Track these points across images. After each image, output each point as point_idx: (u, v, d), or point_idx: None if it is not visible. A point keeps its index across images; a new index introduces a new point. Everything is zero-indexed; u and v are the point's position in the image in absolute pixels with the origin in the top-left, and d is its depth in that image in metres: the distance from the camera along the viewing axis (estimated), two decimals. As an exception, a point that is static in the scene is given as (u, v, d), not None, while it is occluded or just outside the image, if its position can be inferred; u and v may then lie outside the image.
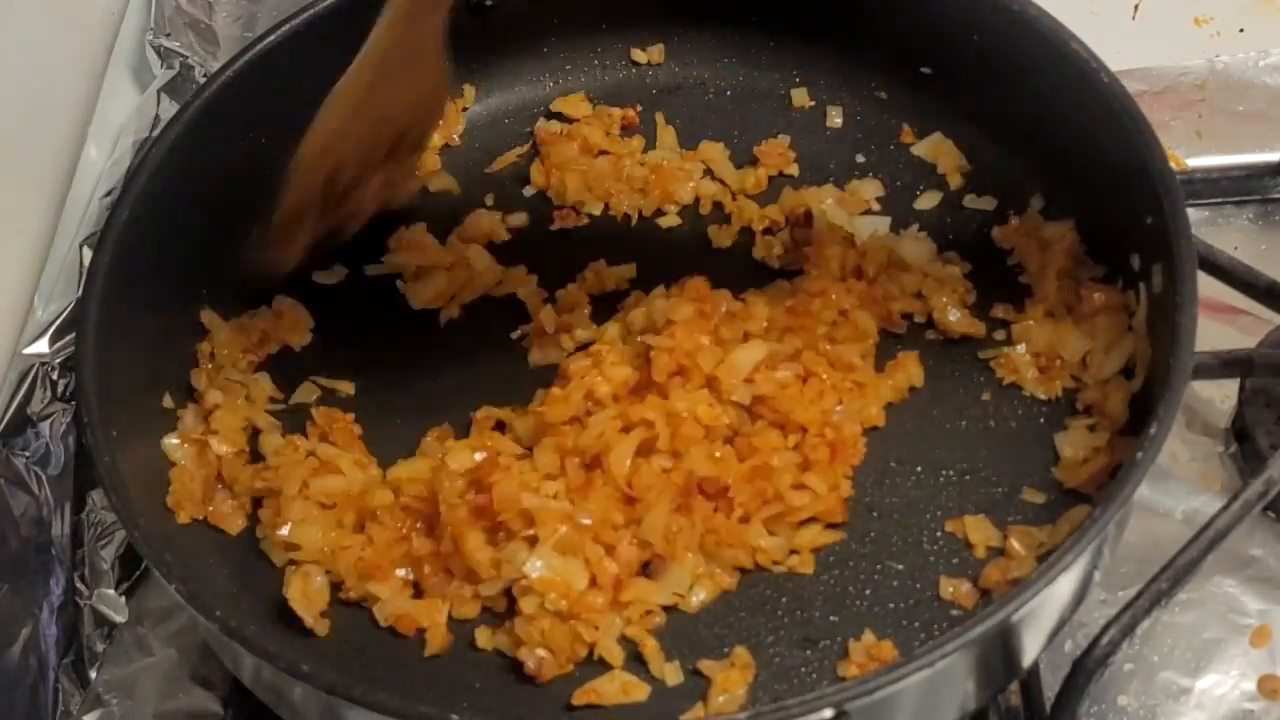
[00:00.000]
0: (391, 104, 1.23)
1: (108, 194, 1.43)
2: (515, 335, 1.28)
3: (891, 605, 1.12)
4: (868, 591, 1.12)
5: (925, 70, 1.35)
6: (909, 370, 1.22)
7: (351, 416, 1.22)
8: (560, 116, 1.42)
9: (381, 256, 1.34)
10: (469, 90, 1.42)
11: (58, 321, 1.34)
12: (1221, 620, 1.19)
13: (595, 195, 1.36)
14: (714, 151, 1.38)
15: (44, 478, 1.29)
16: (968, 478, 1.17)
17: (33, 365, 1.32)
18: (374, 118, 1.23)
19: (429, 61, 1.24)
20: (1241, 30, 1.55)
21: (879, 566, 1.14)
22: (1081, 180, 1.25)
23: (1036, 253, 1.26)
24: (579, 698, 1.08)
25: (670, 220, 1.36)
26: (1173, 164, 1.14)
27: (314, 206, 1.24)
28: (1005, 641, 1.03)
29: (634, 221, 1.36)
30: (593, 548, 1.12)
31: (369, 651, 1.12)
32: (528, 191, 1.38)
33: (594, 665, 1.10)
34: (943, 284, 1.26)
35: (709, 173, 1.37)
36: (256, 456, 1.22)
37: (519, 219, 1.36)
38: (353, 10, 1.32)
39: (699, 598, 1.13)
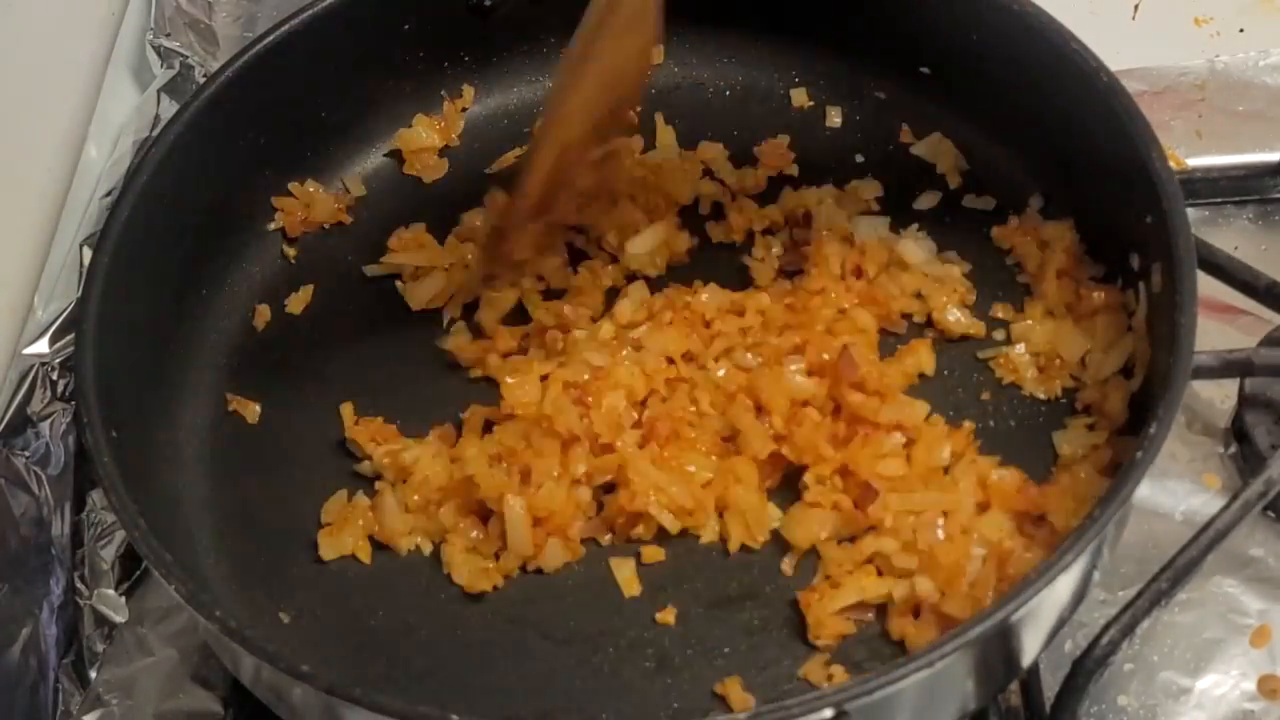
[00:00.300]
0: (614, 67, 1.18)
1: (108, 194, 1.43)
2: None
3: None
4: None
5: (924, 70, 1.35)
6: (920, 356, 1.22)
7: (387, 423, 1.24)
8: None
9: (381, 257, 1.34)
10: (469, 90, 1.42)
11: (58, 321, 1.35)
12: (1221, 620, 1.19)
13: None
14: (714, 151, 1.38)
15: (44, 478, 1.29)
16: (967, 476, 1.17)
17: (33, 365, 1.33)
18: (598, 82, 1.18)
19: (647, 15, 1.18)
20: (1241, 30, 1.54)
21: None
22: (1081, 180, 1.25)
23: (1036, 252, 1.26)
24: None
25: (670, 220, 1.36)
26: (1173, 164, 1.14)
27: (554, 184, 1.21)
28: (1005, 641, 1.03)
29: (633, 222, 1.36)
30: None
31: (368, 651, 1.13)
32: (527, 191, 1.38)
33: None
34: (943, 283, 1.26)
35: (709, 173, 1.37)
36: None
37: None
38: (353, 10, 1.33)
39: None
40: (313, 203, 1.35)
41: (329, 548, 1.18)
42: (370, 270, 1.34)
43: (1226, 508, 1.16)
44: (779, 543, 1.16)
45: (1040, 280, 1.24)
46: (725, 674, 1.09)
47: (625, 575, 1.15)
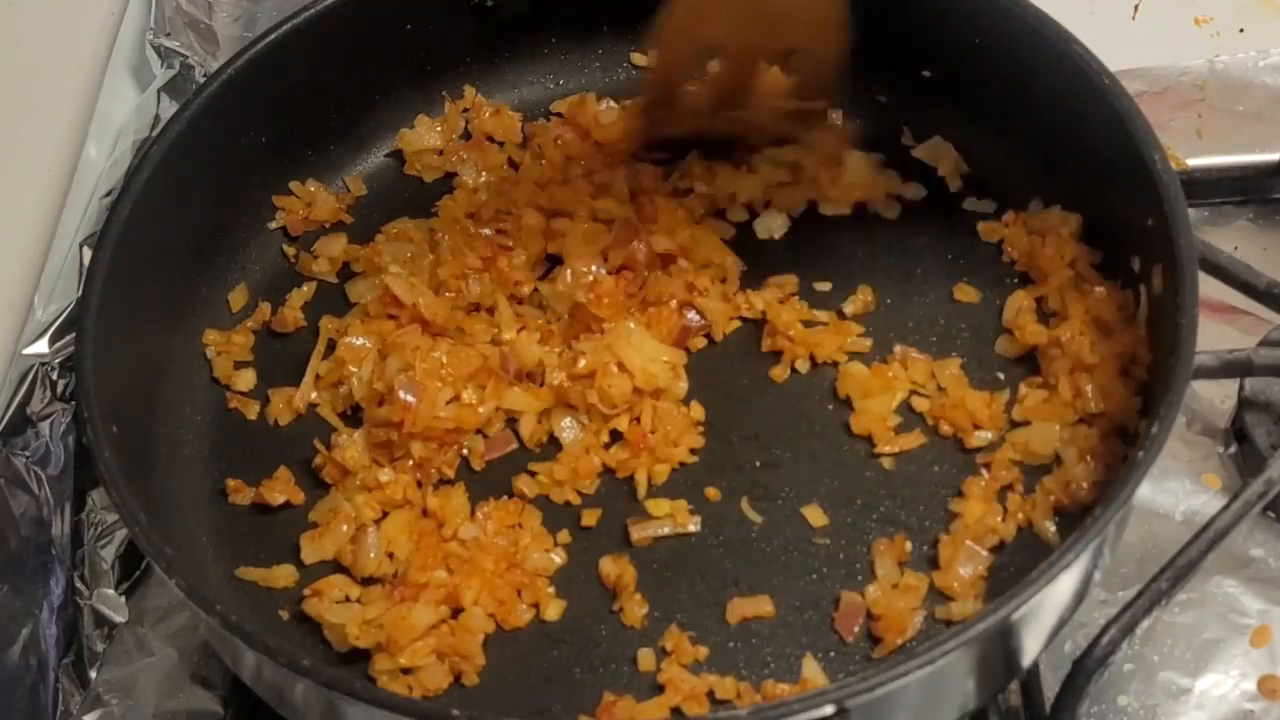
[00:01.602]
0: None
1: (108, 194, 1.43)
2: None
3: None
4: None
5: (925, 73, 1.35)
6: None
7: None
8: (560, 117, 1.42)
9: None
10: (469, 90, 1.42)
11: (58, 321, 1.34)
12: (1221, 620, 1.19)
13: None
14: (713, 153, 1.38)
15: (44, 478, 1.29)
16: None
17: (33, 365, 1.32)
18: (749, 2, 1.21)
19: None
20: (1241, 30, 1.55)
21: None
22: (1082, 181, 1.25)
23: (1023, 237, 1.26)
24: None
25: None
26: (1173, 164, 1.14)
27: (685, 79, 1.23)
28: (1005, 641, 1.03)
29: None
30: None
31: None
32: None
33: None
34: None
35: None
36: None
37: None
38: (353, 10, 1.33)
39: None
40: (314, 202, 1.35)
41: (311, 551, 1.17)
42: (352, 254, 1.34)
43: (1226, 508, 1.16)
44: (777, 540, 1.16)
45: (1034, 264, 1.25)
46: (724, 671, 1.09)
47: (619, 570, 1.15)
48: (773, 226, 1.32)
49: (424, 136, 1.40)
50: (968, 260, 1.29)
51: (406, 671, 1.09)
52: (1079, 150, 1.24)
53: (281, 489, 1.19)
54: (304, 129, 1.35)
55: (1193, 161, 1.41)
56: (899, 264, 1.30)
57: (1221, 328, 1.32)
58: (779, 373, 1.24)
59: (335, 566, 1.16)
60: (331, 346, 1.27)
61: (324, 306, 1.31)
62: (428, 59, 1.40)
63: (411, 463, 1.19)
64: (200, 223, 1.29)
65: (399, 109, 1.40)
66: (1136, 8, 1.58)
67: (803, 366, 1.24)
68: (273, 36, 1.31)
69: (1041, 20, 1.24)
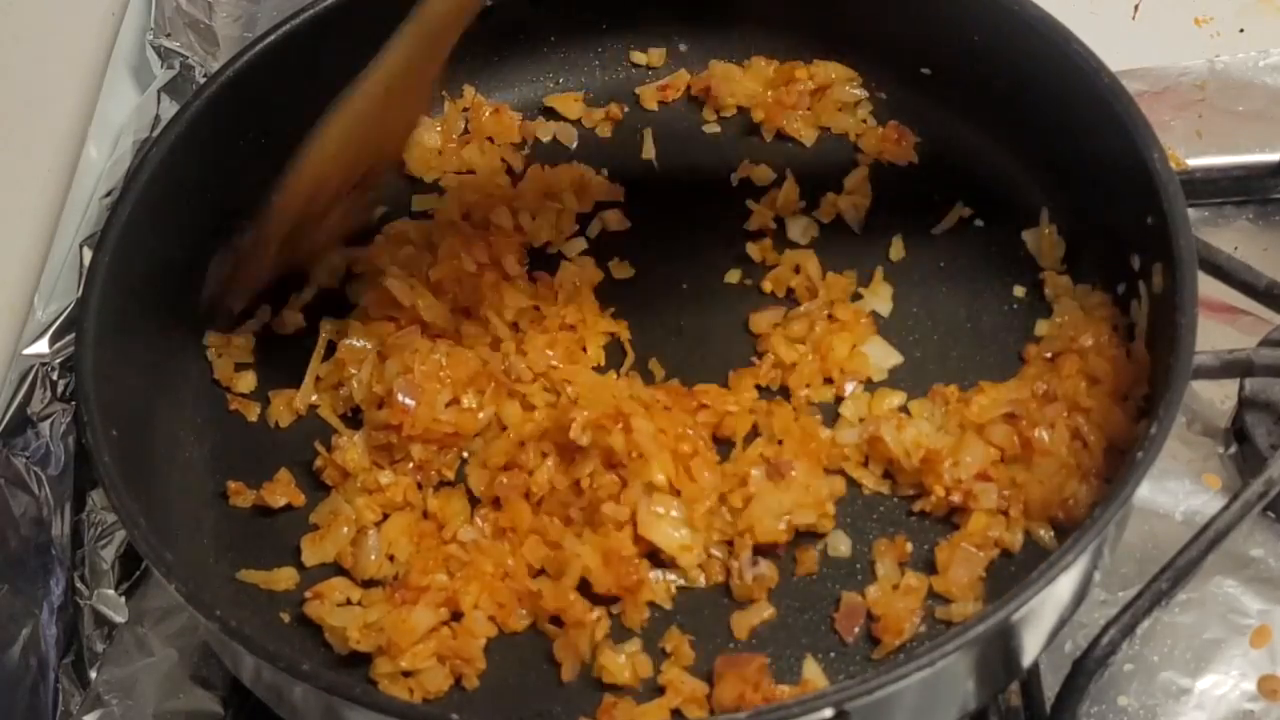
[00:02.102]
0: (383, 133, 1.22)
1: (108, 194, 1.43)
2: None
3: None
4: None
5: (925, 71, 1.35)
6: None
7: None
8: (552, 113, 1.42)
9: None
10: (469, 90, 1.42)
11: (58, 321, 1.35)
12: (1221, 620, 1.19)
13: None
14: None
15: (44, 478, 1.29)
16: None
17: (33, 365, 1.33)
18: (363, 145, 1.21)
19: (424, 92, 1.23)
20: (1241, 30, 1.55)
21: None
22: (1082, 180, 1.25)
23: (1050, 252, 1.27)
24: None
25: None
26: (1173, 164, 1.14)
27: (282, 235, 1.23)
28: (1005, 641, 1.03)
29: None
30: None
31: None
32: (526, 190, 1.38)
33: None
34: None
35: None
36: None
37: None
38: (352, 10, 1.33)
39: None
40: (314, 202, 1.35)
41: (312, 554, 1.17)
42: (353, 258, 1.33)
43: (1226, 508, 1.16)
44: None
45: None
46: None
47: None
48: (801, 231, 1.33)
49: (424, 136, 1.39)
50: (969, 262, 1.29)
51: (407, 674, 1.09)
52: (1079, 150, 1.24)
53: (282, 491, 1.19)
54: (303, 129, 1.34)
55: (1193, 161, 1.41)
56: (903, 267, 1.30)
57: (1221, 328, 1.32)
58: (780, 373, 1.25)
59: (336, 569, 1.16)
60: (331, 348, 1.27)
61: (324, 308, 1.30)
62: (427, 59, 1.40)
63: (411, 465, 1.19)
64: (200, 223, 1.28)
65: (398, 109, 1.40)
66: (1136, 8, 1.58)
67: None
68: (273, 37, 1.31)
69: (1041, 20, 1.24)
